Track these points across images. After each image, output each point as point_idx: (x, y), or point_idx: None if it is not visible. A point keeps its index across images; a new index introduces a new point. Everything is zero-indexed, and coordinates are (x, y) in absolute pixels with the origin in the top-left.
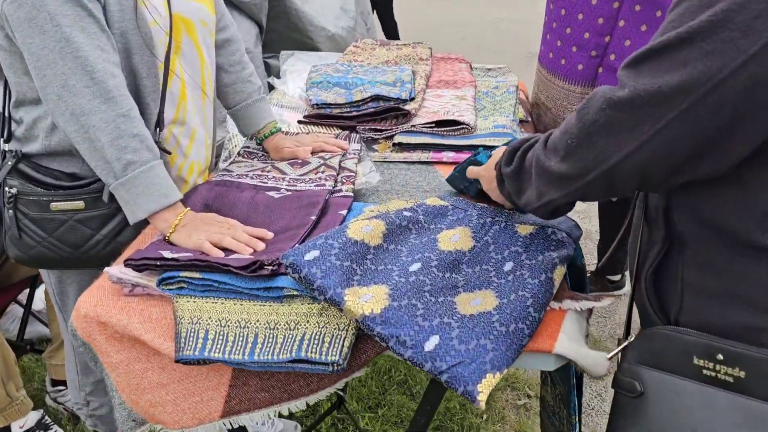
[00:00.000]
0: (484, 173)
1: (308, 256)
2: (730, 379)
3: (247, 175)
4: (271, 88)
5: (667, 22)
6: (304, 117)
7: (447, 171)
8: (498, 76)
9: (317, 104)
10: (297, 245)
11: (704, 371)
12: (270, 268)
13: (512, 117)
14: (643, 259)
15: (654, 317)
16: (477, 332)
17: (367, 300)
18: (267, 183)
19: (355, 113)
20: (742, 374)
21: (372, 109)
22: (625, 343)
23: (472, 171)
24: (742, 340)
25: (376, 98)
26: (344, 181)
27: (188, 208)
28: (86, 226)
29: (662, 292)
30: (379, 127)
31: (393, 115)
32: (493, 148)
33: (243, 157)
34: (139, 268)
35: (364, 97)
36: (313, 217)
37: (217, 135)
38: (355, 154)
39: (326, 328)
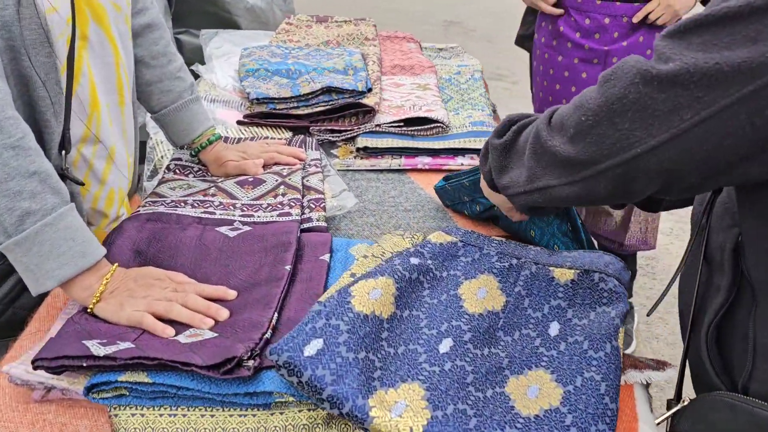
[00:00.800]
0: None
1: (309, 350)
2: None
3: (185, 202)
4: (195, 77)
5: None
6: (245, 117)
7: (424, 180)
8: (452, 57)
9: (258, 99)
10: (275, 317)
11: None
12: (251, 364)
13: (488, 111)
14: (702, 308)
15: (715, 379)
16: None
17: (400, 413)
18: (215, 214)
19: (304, 110)
20: None
21: (324, 105)
22: (677, 407)
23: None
24: None
25: (328, 90)
26: (313, 206)
27: (115, 265)
28: None
29: (727, 351)
30: (337, 128)
31: (352, 112)
32: (473, 150)
33: (174, 173)
34: (55, 370)
35: (313, 90)
36: (288, 267)
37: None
38: (317, 165)
39: None
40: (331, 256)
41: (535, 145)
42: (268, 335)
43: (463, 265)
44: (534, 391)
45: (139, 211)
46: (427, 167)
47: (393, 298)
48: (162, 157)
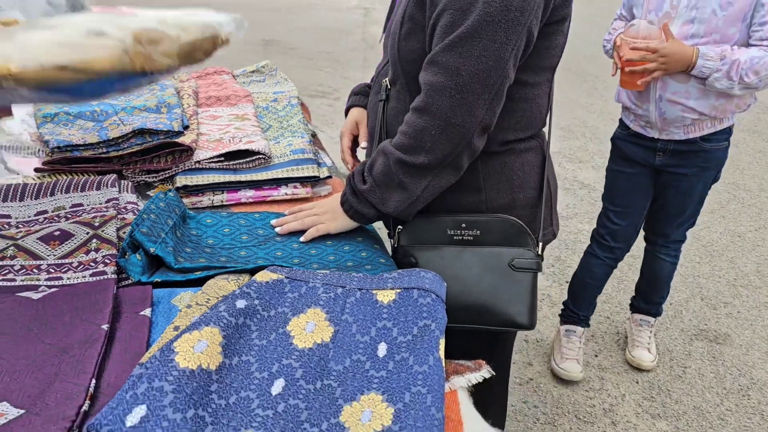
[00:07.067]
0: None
1: (131, 419)
2: (470, 238)
3: None
4: None
5: None
6: (44, 164)
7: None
8: (266, 78)
9: (59, 147)
10: (92, 384)
11: (454, 237)
12: None
13: (307, 138)
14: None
15: None
16: None
17: None
18: (15, 281)
19: (114, 153)
20: (477, 233)
21: (138, 147)
22: (400, 228)
23: None
24: (474, 212)
25: (140, 132)
26: None
27: None
28: None
29: None
30: (153, 168)
31: (168, 151)
32: (296, 179)
33: None
34: None
35: (124, 134)
36: (105, 327)
37: None
38: (134, 212)
39: None
40: (152, 311)
41: (403, 167)
42: (85, 407)
43: (290, 301)
44: (367, 416)
45: None
46: (251, 200)
47: (220, 348)
48: None
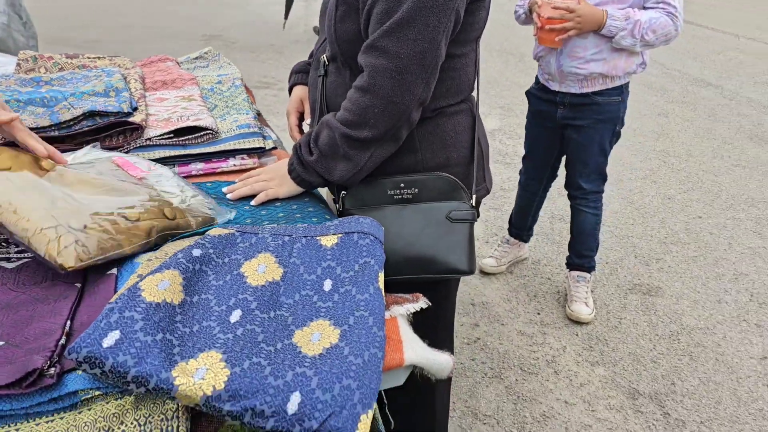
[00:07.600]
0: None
1: (107, 341)
2: (410, 196)
3: None
4: None
5: None
6: None
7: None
8: (209, 64)
9: None
10: (68, 324)
11: (394, 196)
12: (53, 371)
13: (252, 114)
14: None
15: None
16: (336, 373)
17: (203, 376)
18: None
19: (66, 134)
20: (416, 191)
21: (89, 128)
22: (344, 193)
23: None
24: (411, 172)
25: (91, 114)
26: None
27: None
28: None
29: None
30: (106, 146)
31: (119, 131)
32: (243, 151)
33: None
34: None
35: (75, 116)
36: (78, 284)
37: None
38: None
39: (150, 422)
40: (119, 268)
41: (347, 140)
42: (63, 341)
43: (242, 249)
44: (317, 337)
45: None
46: (201, 172)
47: (181, 287)
48: None
